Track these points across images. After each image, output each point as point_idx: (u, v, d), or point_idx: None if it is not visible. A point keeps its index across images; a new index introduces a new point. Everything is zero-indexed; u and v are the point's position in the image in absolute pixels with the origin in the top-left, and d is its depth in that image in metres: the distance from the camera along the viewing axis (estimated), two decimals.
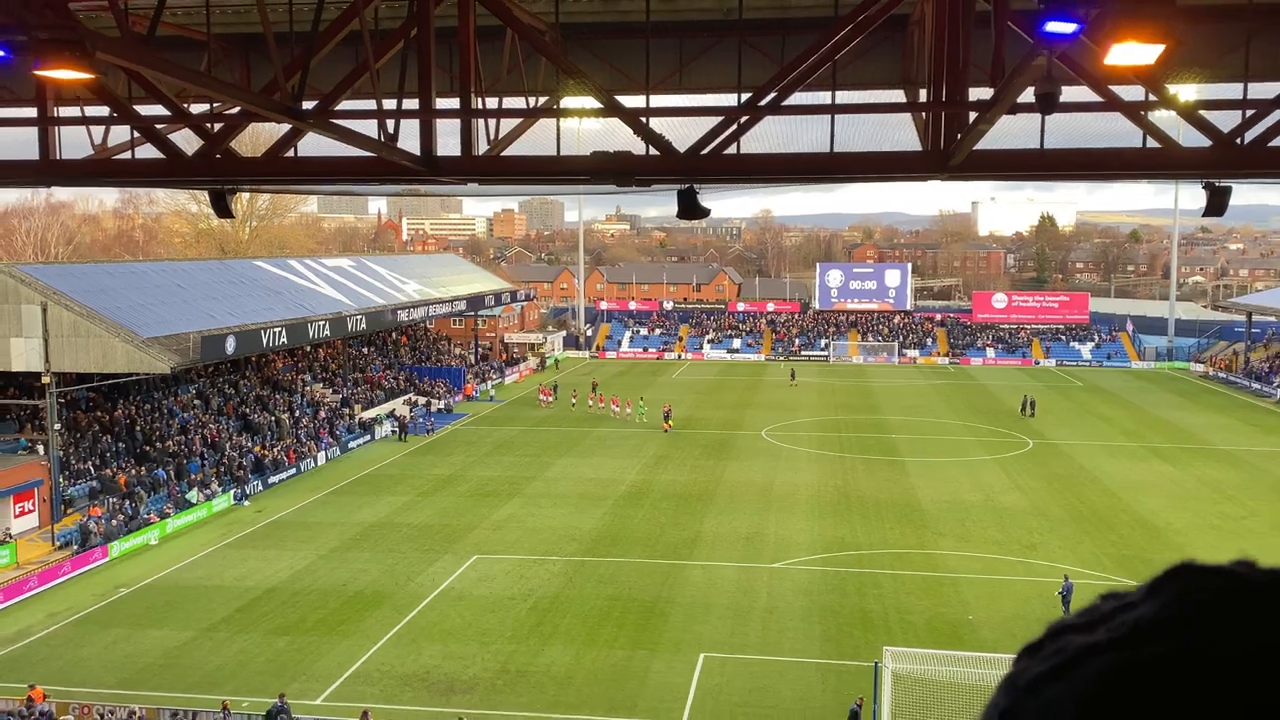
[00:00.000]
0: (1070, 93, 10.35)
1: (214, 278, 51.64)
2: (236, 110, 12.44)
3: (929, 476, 44.11)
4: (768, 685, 23.42)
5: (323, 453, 48.13)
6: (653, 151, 11.16)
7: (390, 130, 11.85)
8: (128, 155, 14.22)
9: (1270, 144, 10.32)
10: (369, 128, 11.84)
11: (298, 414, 51.61)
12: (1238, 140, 10.50)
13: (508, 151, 12.66)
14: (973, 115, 10.29)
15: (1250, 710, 0.55)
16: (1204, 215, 13.10)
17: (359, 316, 55.86)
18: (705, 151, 10.98)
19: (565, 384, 70.31)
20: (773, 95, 10.68)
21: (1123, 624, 0.61)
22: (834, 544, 34.28)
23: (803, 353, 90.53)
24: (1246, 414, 61.95)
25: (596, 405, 60.86)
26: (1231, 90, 12.39)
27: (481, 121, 12.57)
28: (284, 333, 47.34)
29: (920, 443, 51.58)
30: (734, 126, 10.94)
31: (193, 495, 39.47)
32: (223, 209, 14.68)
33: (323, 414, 52.83)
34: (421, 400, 61.13)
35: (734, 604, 28.65)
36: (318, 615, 28.29)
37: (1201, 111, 10.63)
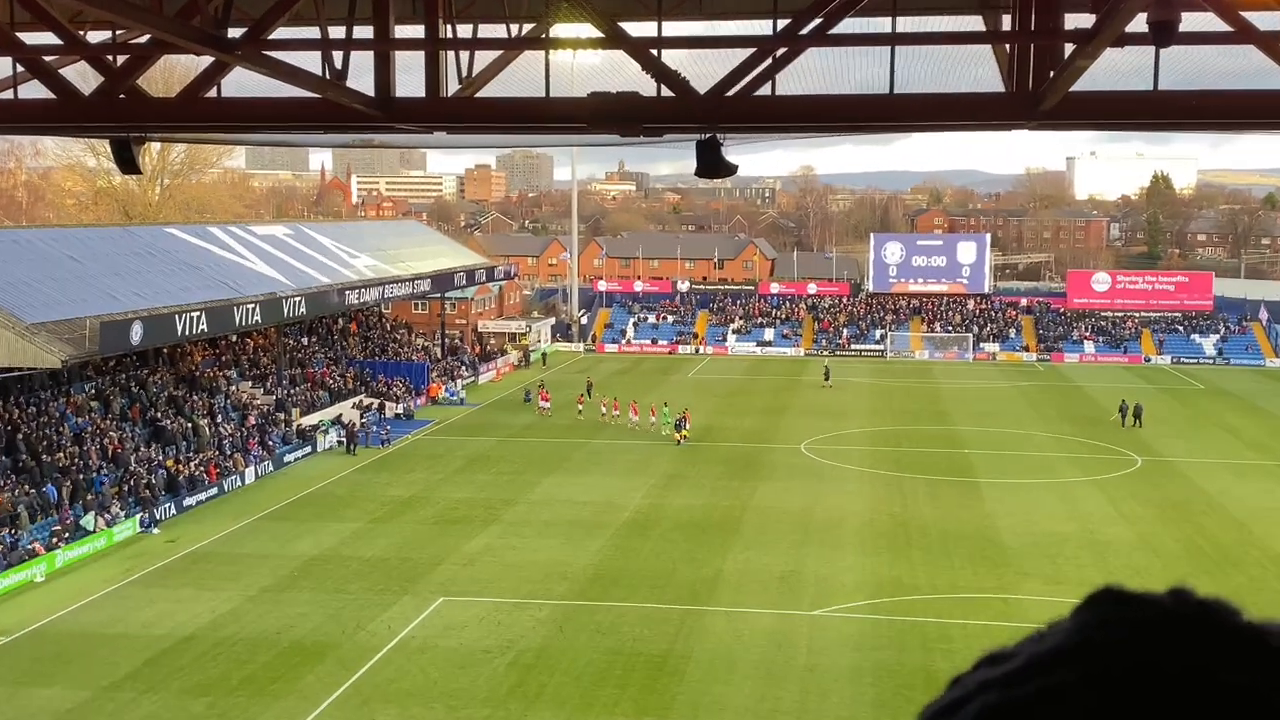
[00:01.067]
0: (1191, 20, 10.30)
1: (116, 249, 51.72)
2: (145, 39, 12.44)
3: (1010, 502, 44.09)
4: None
5: (252, 468, 48.26)
6: (666, 92, 11.13)
7: (338, 65, 11.84)
8: (8, 95, 14.23)
9: None
10: (311, 62, 11.82)
11: (220, 420, 51.73)
12: None
13: (483, 92, 12.64)
14: (1069, 47, 10.25)
15: None
16: None
17: (298, 298, 55.74)
18: (731, 93, 10.95)
19: (559, 383, 70.34)
20: (817, 21, 10.64)
21: (1025, 655, 0.66)
22: (890, 586, 34.27)
23: (852, 346, 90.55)
24: None
25: (610, 413, 60.12)
26: None
27: (451, 55, 12.54)
28: (204, 318, 47.28)
29: (1000, 460, 51.52)
30: (768, 61, 10.91)
31: (89, 521, 39.58)
32: (128, 163, 14.68)
33: (252, 420, 52.97)
34: (375, 403, 61.25)
35: (765, 660, 28.65)
36: (245, 671, 28.34)
37: None
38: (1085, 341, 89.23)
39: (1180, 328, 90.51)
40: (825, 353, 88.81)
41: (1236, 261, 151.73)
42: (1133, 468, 50.56)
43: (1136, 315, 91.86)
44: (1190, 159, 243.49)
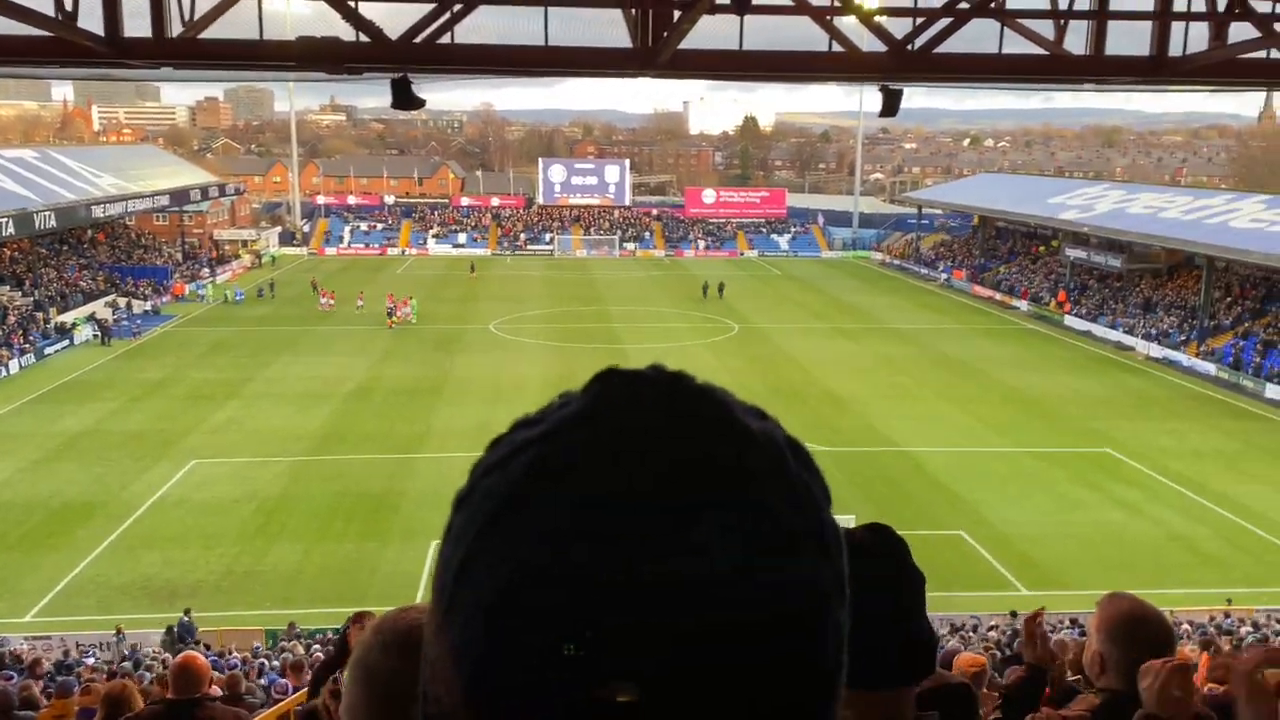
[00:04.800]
0: None
1: None
2: None
3: (647, 360, 45.66)
4: None
5: (15, 360, 43.46)
6: (363, 38, 10.62)
7: (68, 7, 10.57)
8: None
9: (935, 50, 11.20)
10: (44, 3, 10.50)
11: None
12: (909, 46, 11.32)
13: (205, 34, 11.61)
14: (677, 14, 10.48)
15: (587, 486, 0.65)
16: (880, 115, 14.11)
17: (47, 213, 50.47)
18: (418, 40, 10.58)
19: (287, 281, 66.81)
20: None
21: (552, 418, 0.71)
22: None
23: (528, 247, 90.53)
24: (917, 296, 68.42)
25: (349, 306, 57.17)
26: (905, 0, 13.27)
27: (174, 0, 11.43)
28: None
29: (639, 331, 53.33)
30: (447, 15, 10.59)
31: None
32: None
33: (13, 319, 47.55)
34: (125, 302, 56.30)
35: None
36: (21, 530, 25.97)
37: (879, 19, 11.36)
38: (698, 241, 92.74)
39: (764, 230, 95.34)
40: (510, 253, 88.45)
41: (803, 181, 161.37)
42: (731, 333, 53.53)
43: (734, 221, 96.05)
44: (771, 104, 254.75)
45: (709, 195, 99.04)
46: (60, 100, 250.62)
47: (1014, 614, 20.67)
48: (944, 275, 75.44)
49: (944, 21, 11.12)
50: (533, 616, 0.61)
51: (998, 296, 66.70)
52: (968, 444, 34.24)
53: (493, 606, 0.63)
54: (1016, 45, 11.85)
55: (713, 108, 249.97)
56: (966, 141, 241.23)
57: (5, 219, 46.08)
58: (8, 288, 52.32)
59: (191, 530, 26.13)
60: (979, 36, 12.04)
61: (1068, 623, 19.52)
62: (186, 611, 20.81)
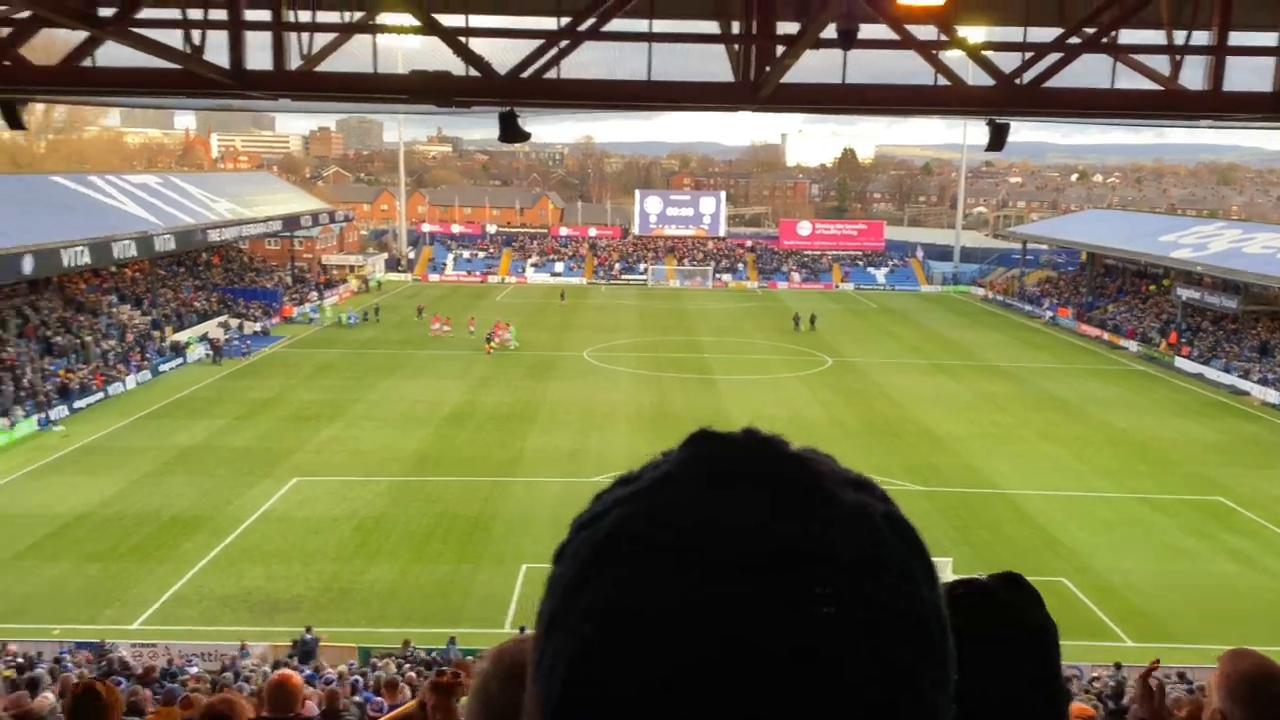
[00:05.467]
0: (870, 30, 10.69)
1: (7, 192, 47.48)
2: (27, 15, 11.35)
3: (738, 393, 45.66)
4: None
5: (132, 376, 45.49)
6: (473, 72, 10.89)
7: (196, 41, 11.11)
8: None
9: (1045, 85, 10.98)
10: (174, 38, 11.06)
11: (104, 337, 48.46)
12: (1017, 80, 11.12)
13: (321, 67, 12.07)
14: (780, 49, 10.50)
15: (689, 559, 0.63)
16: (987, 150, 13.85)
17: (167, 235, 52.86)
18: (526, 74, 10.81)
19: (392, 306, 68.58)
20: (592, 20, 10.58)
21: (645, 478, 0.72)
22: (652, 457, 35.07)
23: (622, 276, 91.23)
24: (1019, 333, 66.72)
25: (460, 332, 58.29)
26: (1014, 34, 13.06)
27: (295, 35, 11.92)
28: (86, 251, 44.47)
29: (731, 362, 53.17)
30: (554, 50, 10.80)
31: None
32: (14, 120, 13.44)
33: (131, 337, 49.83)
34: (236, 322, 58.46)
35: (554, 516, 29.00)
36: (132, 541, 27.04)
37: (986, 52, 11.20)
38: (792, 273, 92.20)
39: (861, 262, 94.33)
40: (605, 282, 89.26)
41: (902, 214, 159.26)
42: (824, 366, 52.96)
43: (829, 254, 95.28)
44: (871, 137, 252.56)
45: (804, 227, 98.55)
46: (183, 129, 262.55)
47: (1118, 666, 19.83)
48: (1049, 312, 73.46)
49: (1054, 56, 10.90)
50: (610, 674, 0.61)
51: (1105, 336, 64.62)
52: (1071, 487, 33.12)
53: (574, 661, 0.63)
54: (1130, 80, 11.55)
55: (811, 140, 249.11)
56: (1074, 177, 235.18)
57: (128, 241, 48.45)
58: (128, 306, 54.82)
59: (293, 546, 26.84)
60: (1090, 71, 11.77)
61: (1175, 677, 18.66)
62: (309, 629, 21.22)
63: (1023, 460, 35.88)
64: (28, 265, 39.89)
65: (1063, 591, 24.79)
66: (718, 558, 0.63)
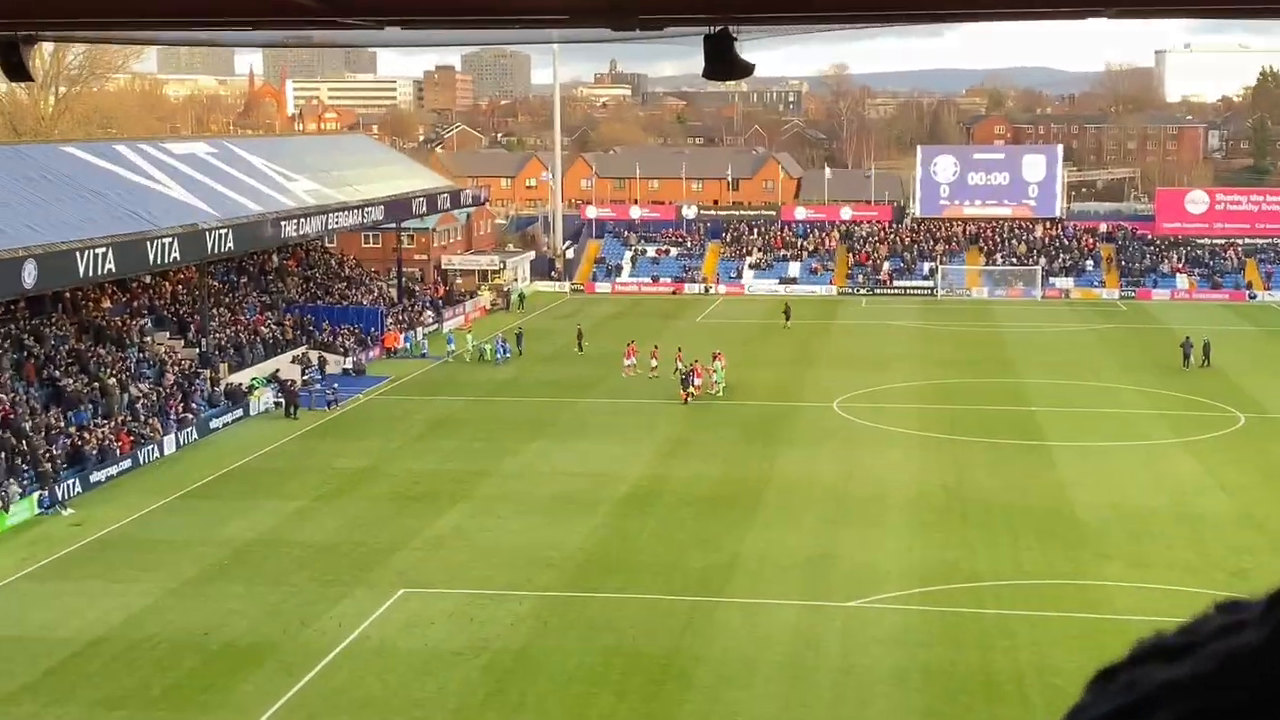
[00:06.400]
0: None
1: (2, 172, 50.91)
2: None
3: (1088, 470, 44.12)
4: None
5: (171, 436, 48.08)
6: None
7: None
8: None
9: None
10: None
11: (133, 379, 51.32)
12: None
13: None
14: None
15: None
16: None
17: (224, 231, 54.97)
18: None
19: (540, 331, 70.03)
20: None
21: (1216, 654, 0.68)
22: (942, 572, 34.32)
23: (895, 283, 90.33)
24: None
25: (643, 369, 59.26)
26: None
27: None
28: (110, 255, 46.49)
29: (1074, 419, 51.58)
30: None
31: None
32: (16, 68, 14.49)
33: (171, 378, 52.60)
34: (318, 357, 60.95)
35: (790, 662, 28.72)
36: (167, 679, 28.28)
37: None
38: (1178, 275, 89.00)
39: None
40: (865, 292, 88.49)
41: None
42: (1234, 427, 50.53)
43: (1240, 242, 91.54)
44: None
45: (1198, 201, 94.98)
46: (245, 75, 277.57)
47: None
48: None
49: None
50: None
51: None
52: None
53: None
54: None
55: (1205, 60, 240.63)
56: None
57: (169, 239, 50.18)
58: (166, 334, 58.02)
59: (396, 693, 27.49)
60: None
61: None
62: None
63: None
64: (29, 276, 42.33)
65: None
66: None
